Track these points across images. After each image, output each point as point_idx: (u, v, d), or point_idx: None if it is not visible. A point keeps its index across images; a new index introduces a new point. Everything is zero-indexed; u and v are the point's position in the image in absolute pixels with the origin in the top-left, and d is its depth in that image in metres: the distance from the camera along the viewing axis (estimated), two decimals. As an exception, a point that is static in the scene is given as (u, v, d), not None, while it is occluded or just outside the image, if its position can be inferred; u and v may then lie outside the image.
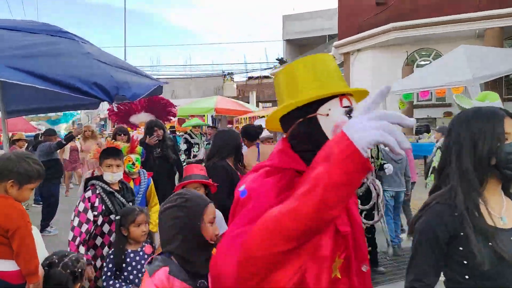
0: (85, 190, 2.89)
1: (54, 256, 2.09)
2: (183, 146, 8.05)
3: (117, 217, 2.63)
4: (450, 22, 9.59)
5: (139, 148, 3.63)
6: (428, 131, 8.94)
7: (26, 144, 8.67)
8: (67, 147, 9.25)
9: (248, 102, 15.59)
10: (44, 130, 9.93)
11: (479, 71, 7.15)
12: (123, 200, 2.92)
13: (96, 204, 2.78)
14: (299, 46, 22.61)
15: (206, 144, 8.41)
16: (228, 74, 26.20)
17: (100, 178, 2.92)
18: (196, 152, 8.12)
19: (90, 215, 2.73)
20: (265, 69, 24.57)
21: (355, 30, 11.58)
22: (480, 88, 7.30)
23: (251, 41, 48.73)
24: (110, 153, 2.94)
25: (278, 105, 1.24)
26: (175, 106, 9.90)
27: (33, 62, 2.47)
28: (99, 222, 2.80)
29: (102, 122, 27.43)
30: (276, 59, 23.05)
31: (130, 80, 3.08)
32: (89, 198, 2.78)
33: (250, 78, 25.01)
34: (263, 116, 8.96)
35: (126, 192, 3.01)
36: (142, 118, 8.38)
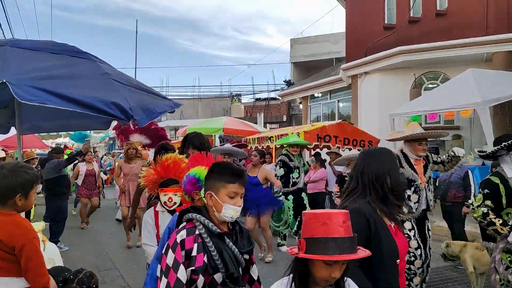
0: (177, 229, 1.84)
1: (67, 273, 2.09)
2: (280, 171, 6.65)
3: None
4: (458, 46, 9.65)
5: None
6: (437, 153, 8.90)
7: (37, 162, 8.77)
8: (82, 171, 8.65)
9: (256, 123, 15.70)
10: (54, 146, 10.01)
11: (488, 95, 7.17)
12: (235, 250, 1.81)
13: (195, 253, 1.74)
14: (307, 69, 22.86)
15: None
16: (236, 95, 26.50)
17: (198, 210, 1.85)
18: (296, 178, 6.71)
19: (183, 273, 1.70)
20: (272, 91, 24.82)
21: (362, 53, 11.70)
22: (489, 112, 7.30)
23: (259, 64, 49.30)
24: (236, 174, 1.84)
25: None
26: (165, 131, 10.20)
27: (55, 84, 2.55)
28: (199, 284, 1.75)
29: (111, 142, 27.66)
30: (284, 81, 23.31)
31: (145, 100, 3.15)
32: (182, 242, 1.74)
33: (257, 99, 25.25)
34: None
35: (241, 238, 1.89)
36: (136, 138, 9.02)
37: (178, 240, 1.74)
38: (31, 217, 7.09)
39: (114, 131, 10.29)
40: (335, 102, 14.59)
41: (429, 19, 10.85)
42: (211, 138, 11.23)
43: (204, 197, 1.90)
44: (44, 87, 2.49)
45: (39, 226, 2.40)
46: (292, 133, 7.81)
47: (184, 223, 1.83)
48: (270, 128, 16.60)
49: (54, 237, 6.48)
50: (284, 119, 21.66)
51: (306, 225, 1.54)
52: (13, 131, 4.48)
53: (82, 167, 8.81)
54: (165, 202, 2.96)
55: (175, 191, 2.92)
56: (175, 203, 2.93)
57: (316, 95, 15.21)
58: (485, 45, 9.51)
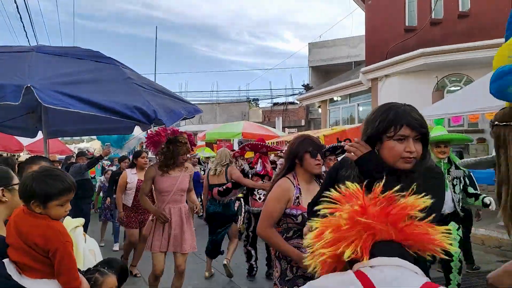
0: None
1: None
2: None
3: None
4: (481, 47, 9.43)
5: None
6: (461, 157, 8.69)
7: (60, 166, 8.97)
8: (132, 181, 5.47)
9: (274, 127, 15.68)
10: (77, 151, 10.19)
11: (514, 97, 6.97)
12: None
13: None
14: (325, 73, 22.74)
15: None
16: (254, 100, 26.56)
17: None
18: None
19: None
20: (291, 95, 24.78)
21: (383, 55, 11.57)
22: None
23: (276, 68, 49.40)
24: None
25: None
26: (193, 139, 10.58)
27: (78, 88, 2.59)
28: None
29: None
30: (302, 85, 23.24)
31: (167, 104, 3.17)
32: None
33: (275, 104, 25.24)
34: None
35: None
36: None
37: None
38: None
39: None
40: (354, 106, 14.45)
41: (451, 21, 10.65)
42: (230, 142, 11.26)
43: None
44: (68, 92, 2.53)
45: (80, 221, 2.47)
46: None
47: None
48: (288, 133, 16.56)
49: (76, 240, 6.58)
50: (303, 123, 21.59)
51: None
52: (38, 135, 4.58)
53: (132, 176, 5.51)
54: None
55: None
56: None
57: (335, 99, 15.10)
58: (510, 46, 9.26)
